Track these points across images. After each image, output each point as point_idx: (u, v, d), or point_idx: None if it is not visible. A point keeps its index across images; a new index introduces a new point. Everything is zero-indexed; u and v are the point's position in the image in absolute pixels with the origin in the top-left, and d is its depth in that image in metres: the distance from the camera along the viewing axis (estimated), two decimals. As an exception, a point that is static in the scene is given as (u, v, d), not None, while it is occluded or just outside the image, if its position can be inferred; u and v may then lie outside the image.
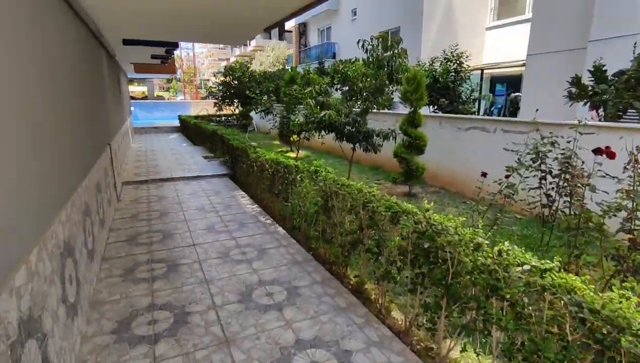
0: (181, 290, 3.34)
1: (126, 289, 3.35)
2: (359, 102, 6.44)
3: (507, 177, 4.26)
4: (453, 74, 11.02)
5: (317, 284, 3.45)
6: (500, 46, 15.58)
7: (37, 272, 1.87)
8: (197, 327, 2.80)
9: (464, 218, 2.50)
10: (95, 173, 4.08)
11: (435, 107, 11.15)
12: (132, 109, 17.85)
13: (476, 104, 11.68)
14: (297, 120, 7.20)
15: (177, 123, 19.25)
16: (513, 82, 14.96)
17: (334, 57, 21.89)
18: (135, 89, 34.04)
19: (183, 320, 2.88)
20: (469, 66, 11.42)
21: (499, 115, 14.94)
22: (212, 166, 9.23)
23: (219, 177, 8.23)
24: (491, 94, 15.06)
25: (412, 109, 7.02)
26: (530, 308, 1.81)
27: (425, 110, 9.90)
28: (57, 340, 2.09)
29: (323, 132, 6.47)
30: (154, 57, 9.10)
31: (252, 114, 17.94)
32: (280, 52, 32.23)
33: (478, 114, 13.49)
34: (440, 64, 11.41)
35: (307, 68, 11.68)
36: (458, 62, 11.08)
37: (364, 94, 6.13)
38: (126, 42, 6.45)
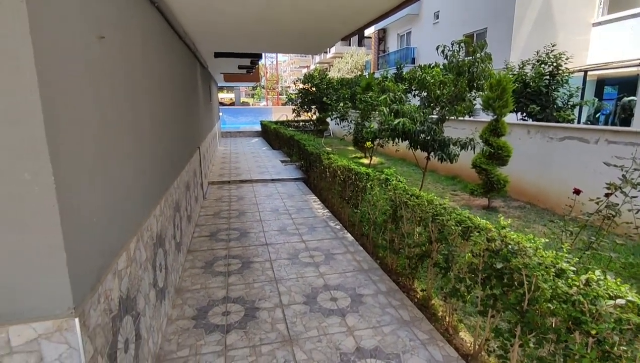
0: (252, 286, 3.57)
1: (206, 280, 3.70)
2: (436, 109, 6.21)
3: (607, 195, 3.75)
4: (548, 77, 9.97)
5: (382, 294, 3.42)
6: (611, 44, 13.67)
7: (134, 259, 2.18)
8: (264, 322, 2.98)
9: (547, 240, 2.28)
10: (185, 173, 4.57)
11: (524, 114, 10.21)
12: (220, 114, 19.51)
13: (576, 110, 10.35)
14: (371, 127, 7.20)
15: (258, 128, 20.53)
16: (627, 85, 12.99)
17: (413, 62, 21.35)
18: (224, 96, 37.16)
19: (252, 314, 3.09)
20: (567, 68, 10.21)
21: (606, 123, 13.11)
22: (288, 170, 9.66)
23: (293, 181, 8.59)
24: (596, 99, 13.27)
25: (495, 116, 6.56)
26: (620, 348, 1.58)
27: (511, 118, 9.15)
28: (148, 319, 2.40)
29: (397, 140, 6.38)
30: (240, 67, 9.88)
31: (328, 120, 18.34)
32: (359, 58, 32.41)
33: (578, 122, 11.99)
34: (533, 67, 10.41)
35: (385, 74, 11.60)
36: (555, 64, 10.00)
37: (442, 101, 5.89)
38: (217, 54, 7.12)
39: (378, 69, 25.39)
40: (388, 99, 6.34)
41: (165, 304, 2.98)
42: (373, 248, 4.47)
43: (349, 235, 4.99)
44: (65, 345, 1.39)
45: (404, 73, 13.48)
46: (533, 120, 9.77)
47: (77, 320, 1.39)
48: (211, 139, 10.14)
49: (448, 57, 5.73)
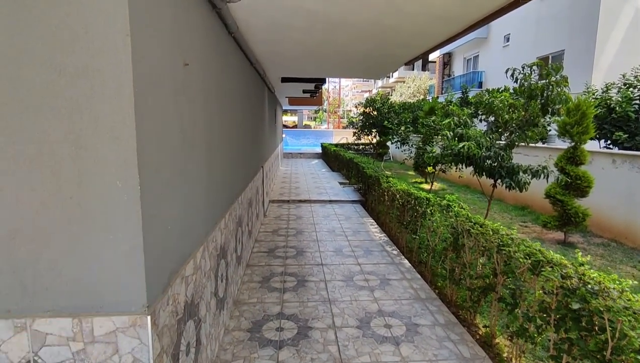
0: (306, 305, 3.59)
1: (262, 295, 3.80)
2: (505, 135, 5.89)
3: None
4: (637, 102, 8.98)
5: (439, 326, 3.23)
6: None
7: (200, 267, 2.33)
8: (316, 342, 2.97)
9: (636, 282, 2.02)
10: (249, 190, 4.82)
11: (608, 142, 9.25)
12: (284, 136, 20.37)
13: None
14: (433, 151, 7.01)
15: (319, 150, 21.02)
16: None
17: (480, 86, 20.58)
18: (288, 119, 38.81)
19: (305, 333, 3.10)
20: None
21: None
22: (345, 192, 9.71)
23: (351, 203, 8.59)
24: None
25: (573, 143, 6.03)
26: None
27: (593, 145, 8.34)
28: (207, 326, 2.53)
29: (460, 165, 6.12)
30: (304, 91, 10.30)
31: (389, 143, 18.20)
32: (422, 82, 32.05)
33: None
34: (618, 91, 9.47)
35: (449, 98, 11.32)
36: (646, 87, 9.01)
37: (511, 126, 5.58)
38: (283, 79, 7.53)
39: (442, 93, 24.84)
40: (452, 122, 6.16)
41: (224, 314, 3.11)
42: (431, 277, 4.27)
43: (406, 261, 4.83)
44: (137, 340, 1.53)
45: (470, 97, 13.02)
46: (619, 149, 8.81)
47: (149, 318, 1.52)
48: (274, 159, 10.60)
49: (519, 80, 5.45)
